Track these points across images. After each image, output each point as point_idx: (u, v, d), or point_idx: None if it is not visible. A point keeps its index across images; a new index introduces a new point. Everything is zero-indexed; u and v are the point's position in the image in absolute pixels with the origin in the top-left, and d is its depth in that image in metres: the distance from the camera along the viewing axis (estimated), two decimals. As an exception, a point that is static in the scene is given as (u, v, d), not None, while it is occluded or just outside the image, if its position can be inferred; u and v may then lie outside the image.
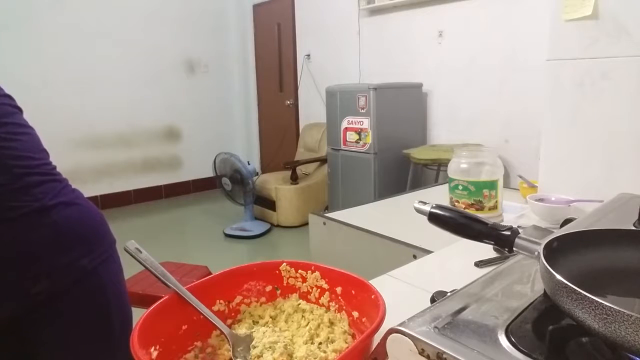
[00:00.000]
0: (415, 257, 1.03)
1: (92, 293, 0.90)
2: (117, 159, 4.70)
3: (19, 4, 3.97)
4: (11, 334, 0.86)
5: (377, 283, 0.63)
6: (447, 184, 1.24)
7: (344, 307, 0.66)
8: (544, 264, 0.45)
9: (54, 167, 0.92)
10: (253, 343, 0.58)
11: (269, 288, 0.70)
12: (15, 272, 0.82)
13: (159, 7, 4.79)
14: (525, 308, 0.50)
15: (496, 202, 1.15)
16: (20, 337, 0.86)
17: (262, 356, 0.55)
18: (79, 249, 0.88)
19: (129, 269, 1.03)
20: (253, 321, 0.66)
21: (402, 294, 0.76)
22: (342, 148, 3.43)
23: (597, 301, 0.38)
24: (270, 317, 0.66)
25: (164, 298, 0.60)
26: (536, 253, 0.49)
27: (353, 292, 0.64)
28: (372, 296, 0.59)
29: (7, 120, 0.83)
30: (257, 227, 3.89)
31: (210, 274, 1.11)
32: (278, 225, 4.01)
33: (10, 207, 0.80)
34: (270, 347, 0.56)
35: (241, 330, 0.62)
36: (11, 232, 0.81)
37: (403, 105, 3.35)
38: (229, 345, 0.58)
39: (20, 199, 0.81)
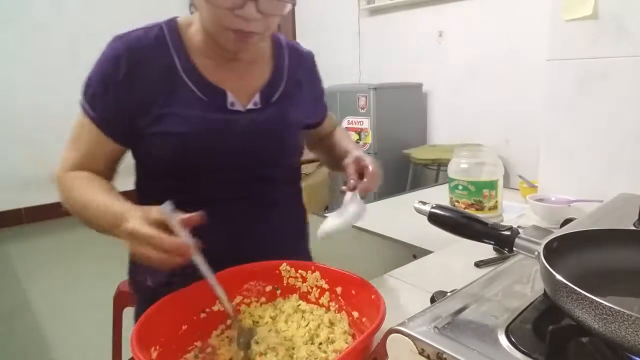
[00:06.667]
0: (415, 257, 1.02)
1: None
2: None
3: (21, 2, 3.97)
4: None
5: (377, 283, 0.63)
6: (447, 184, 1.24)
7: (344, 307, 0.66)
8: (544, 264, 0.45)
9: None
10: (256, 338, 0.58)
11: (269, 288, 0.70)
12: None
13: (159, 7, 4.78)
14: (525, 308, 0.50)
15: (496, 202, 1.15)
16: None
17: (265, 354, 0.55)
18: None
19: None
20: (253, 321, 0.66)
21: (402, 294, 0.76)
22: (342, 148, 3.42)
23: (597, 301, 0.38)
24: (270, 318, 0.66)
25: (164, 298, 0.60)
26: (536, 253, 0.49)
27: (353, 292, 0.64)
28: (372, 296, 0.59)
29: None
30: (257, 227, 3.88)
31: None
32: (278, 225, 4.00)
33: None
34: (273, 349, 0.56)
35: (241, 330, 0.62)
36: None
37: (403, 105, 3.35)
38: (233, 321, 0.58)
39: None
